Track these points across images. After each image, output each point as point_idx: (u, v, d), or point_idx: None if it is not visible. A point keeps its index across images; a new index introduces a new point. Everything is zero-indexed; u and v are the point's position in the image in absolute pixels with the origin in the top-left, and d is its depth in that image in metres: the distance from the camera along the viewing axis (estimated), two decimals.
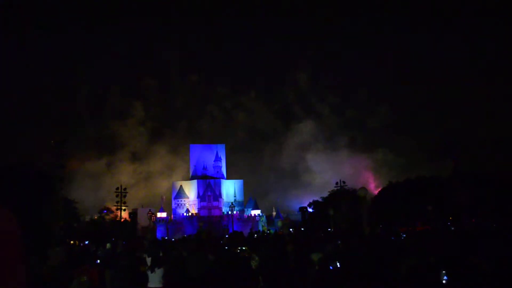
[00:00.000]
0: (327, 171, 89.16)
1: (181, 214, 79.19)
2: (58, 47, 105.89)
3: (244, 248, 11.04)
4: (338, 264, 8.54)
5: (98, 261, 12.67)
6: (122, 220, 57.43)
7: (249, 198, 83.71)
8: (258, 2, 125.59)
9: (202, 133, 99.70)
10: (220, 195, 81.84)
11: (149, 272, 9.90)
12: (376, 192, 68.24)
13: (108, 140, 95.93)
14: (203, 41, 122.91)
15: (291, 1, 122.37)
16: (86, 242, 33.31)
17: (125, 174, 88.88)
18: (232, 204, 72.57)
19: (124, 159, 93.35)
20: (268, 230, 61.08)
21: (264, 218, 79.21)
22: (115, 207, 63.73)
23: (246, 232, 43.27)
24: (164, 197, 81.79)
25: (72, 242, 36.06)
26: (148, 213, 55.73)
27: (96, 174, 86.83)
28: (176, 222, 75.65)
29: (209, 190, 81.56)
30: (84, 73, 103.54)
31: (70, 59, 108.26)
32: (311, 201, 72.29)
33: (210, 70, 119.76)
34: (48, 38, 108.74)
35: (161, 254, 11.38)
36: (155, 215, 73.45)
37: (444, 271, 7.08)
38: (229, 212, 71.86)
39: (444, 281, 6.97)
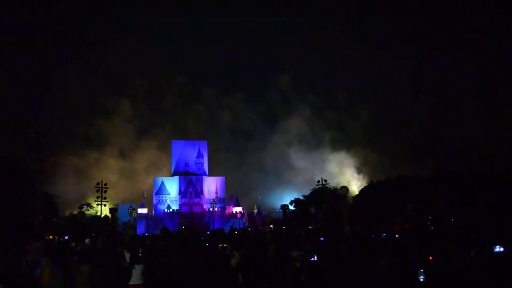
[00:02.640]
0: (309, 169, 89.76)
1: (162, 211, 78.85)
2: (46, 42, 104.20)
3: (225, 245, 11.03)
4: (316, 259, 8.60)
5: (76, 257, 12.55)
6: (103, 215, 57.04)
7: (231, 195, 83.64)
8: (243, 2, 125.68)
9: (187, 131, 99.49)
10: (201, 192, 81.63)
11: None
12: (357, 191, 68.91)
13: (95, 136, 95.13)
14: (191, 42, 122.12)
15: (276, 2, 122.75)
16: (66, 237, 32.95)
17: (109, 170, 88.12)
18: (213, 201, 72.49)
19: (110, 156, 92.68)
20: (249, 227, 61.16)
21: (245, 216, 79.43)
22: (96, 203, 63.41)
23: (227, 229, 43.29)
24: (145, 193, 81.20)
25: (51, 237, 35.62)
26: (128, 209, 55.44)
27: (80, 170, 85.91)
28: (157, 218, 75.27)
29: (190, 187, 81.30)
30: (72, 69, 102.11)
31: (59, 55, 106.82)
32: (293, 199, 72.73)
33: (198, 71, 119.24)
34: (37, 31, 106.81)
35: (140, 250, 11.32)
36: (136, 211, 73.08)
37: (422, 270, 7.19)
38: (211, 209, 71.79)
39: (421, 279, 7.08)
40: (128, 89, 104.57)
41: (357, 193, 65.37)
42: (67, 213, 66.89)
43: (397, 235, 18.60)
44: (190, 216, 75.65)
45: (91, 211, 67.54)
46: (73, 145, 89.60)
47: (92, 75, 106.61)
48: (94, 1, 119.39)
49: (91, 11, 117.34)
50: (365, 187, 64.91)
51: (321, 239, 13.03)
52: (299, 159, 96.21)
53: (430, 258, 8.39)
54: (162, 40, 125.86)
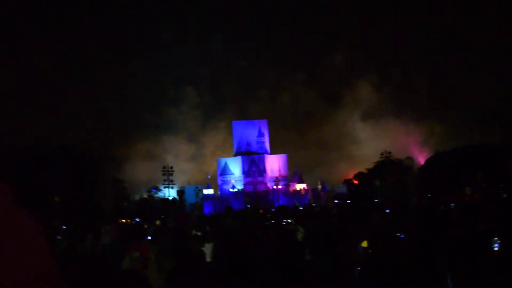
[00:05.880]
0: (372, 142, 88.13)
1: (227, 190, 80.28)
2: (113, 35, 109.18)
3: (289, 220, 11.11)
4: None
5: (149, 237, 13.07)
6: (171, 198, 58.98)
7: (294, 172, 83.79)
8: None
9: (249, 113, 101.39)
10: (264, 170, 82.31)
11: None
12: (423, 162, 66.92)
13: (164, 124, 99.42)
14: (249, 27, 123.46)
15: None
16: (137, 220, 34.37)
17: (178, 155, 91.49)
18: (277, 178, 72.88)
19: (178, 141, 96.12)
20: (313, 203, 61.18)
21: (309, 192, 79.56)
22: (163, 186, 65.63)
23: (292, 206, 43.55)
24: (210, 174, 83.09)
25: (123, 220, 37.30)
26: (194, 190, 56.86)
27: (150, 156, 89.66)
28: (222, 199, 76.75)
29: (253, 166, 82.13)
30: (138, 63, 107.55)
31: (122, 51, 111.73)
32: (356, 173, 71.92)
33: (257, 55, 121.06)
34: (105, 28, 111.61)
35: (208, 229, 11.64)
36: (202, 192, 74.92)
37: (495, 238, 6.92)
38: (275, 187, 72.29)
39: (496, 249, 6.83)
40: (193, 77, 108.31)
41: (423, 164, 63.52)
42: (137, 197, 69.67)
43: (467, 205, 17.98)
44: (255, 194, 76.52)
45: (160, 194, 69.95)
46: (143, 133, 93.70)
47: (158, 67, 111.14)
48: None
49: (153, 5, 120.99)
50: (431, 157, 62.87)
51: (387, 211, 12.83)
52: (361, 132, 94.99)
53: (504, 226, 8.07)
54: (221, 28, 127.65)
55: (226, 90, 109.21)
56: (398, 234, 8.60)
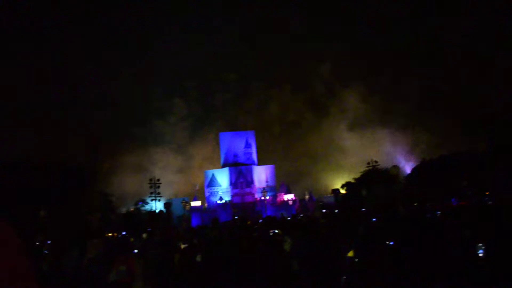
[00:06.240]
0: (359, 151, 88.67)
1: (214, 202, 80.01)
2: (100, 48, 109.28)
3: (276, 231, 11.09)
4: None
5: (136, 250, 12.95)
6: (157, 210, 58.57)
7: (282, 183, 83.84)
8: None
9: (237, 125, 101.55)
10: (252, 181, 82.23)
11: None
12: (409, 170, 67.40)
13: (151, 136, 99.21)
14: (237, 40, 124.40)
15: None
16: (123, 233, 34.06)
17: (165, 167, 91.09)
18: (264, 189, 72.80)
19: (166, 153, 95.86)
20: (301, 214, 61.17)
21: (297, 202, 79.67)
22: (150, 199, 65.20)
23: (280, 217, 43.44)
24: (197, 186, 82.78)
25: (110, 234, 36.92)
26: (182, 202, 56.57)
27: (137, 168, 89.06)
28: (210, 210, 76.47)
29: (241, 177, 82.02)
30: (126, 75, 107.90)
31: (109, 63, 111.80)
32: (344, 183, 72.08)
33: (245, 67, 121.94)
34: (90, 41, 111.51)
35: (195, 242, 11.56)
36: (189, 204, 74.55)
37: (480, 244, 6.98)
38: (262, 198, 72.20)
39: (480, 254, 6.88)
40: (181, 90, 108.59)
41: (409, 172, 63.97)
42: (124, 210, 69.12)
43: (453, 212, 18.11)
44: (242, 206, 76.38)
45: (147, 207, 69.49)
46: (130, 145, 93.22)
47: (146, 79, 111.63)
48: (143, 7, 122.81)
49: (141, 17, 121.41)
50: (417, 165, 63.37)
51: (373, 220, 12.87)
52: (348, 142, 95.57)
53: (489, 232, 8.14)
54: (210, 41, 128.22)
55: (214, 101, 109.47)
56: (387, 242, 8.62)
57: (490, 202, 28.81)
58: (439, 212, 20.22)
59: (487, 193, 42.48)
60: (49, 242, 17.92)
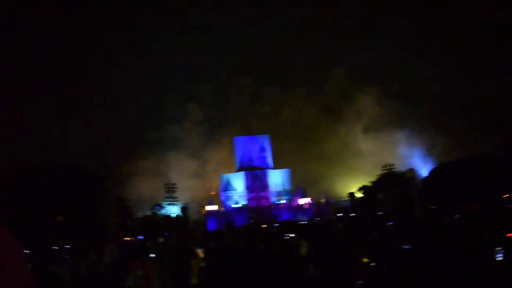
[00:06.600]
0: (375, 154, 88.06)
1: (230, 206, 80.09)
2: (113, 52, 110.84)
3: (291, 235, 11.08)
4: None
5: (152, 255, 13.02)
6: (173, 214, 58.87)
7: (297, 187, 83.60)
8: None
9: (251, 129, 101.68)
10: (267, 185, 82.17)
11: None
12: (426, 173, 66.78)
13: (167, 141, 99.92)
14: (252, 44, 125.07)
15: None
16: (140, 237, 34.24)
17: (181, 172, 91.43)
18: (280, 193, 72.70)
19: (182, 158, 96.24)
20: (317, 217, 60.94)
21: (313, 206, 79.51)
22: (167, 203, 65.59)
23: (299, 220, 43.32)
24: (213, 191, 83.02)
25: (127, 238, 37.20)
26: (198, 207, 56.73)
27: (154, 173, 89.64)
28: (226, 214, 76.54)
29: (256, 181, 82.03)
30: (141, 81, 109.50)
31: (125, 68, 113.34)
32: (360, 186, 71.69)
33: (260, 72, 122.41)
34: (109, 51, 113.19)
35: (212, 246, 11.60)
36: (205, 209, 74.75)
37: (499, 248, 6.89)
38: (278, 202, 72.11)
39: (499, 258, 6.79)
40: (196, 95, 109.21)
41: (426, 175, 63.36)
42: (140, 214, 69.58)
43: (471, 216, 17.90)
44: (258, 210, 76.25)
45: (163, 211, 69.83)
46: (147, 150, 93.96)
47: (161, 84, 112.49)
48: (155, 12, 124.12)
49: (155, 21, 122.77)
50: (434, 168, 62.78)
51: (389, 224, 12.79)
52: (363, 145, 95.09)
53: (508, 235, 8.03)
54: (224, 44, 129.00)
55: (229, 106, 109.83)
56: (404, 246, 8.57)
57: (508, 205, 28.43)
58: (457, 215, 20.00)
59: (506, 195, 41.91)
60: (67, 246, 18.13)
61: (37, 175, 37.90)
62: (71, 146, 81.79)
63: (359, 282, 7.90)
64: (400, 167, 64.22)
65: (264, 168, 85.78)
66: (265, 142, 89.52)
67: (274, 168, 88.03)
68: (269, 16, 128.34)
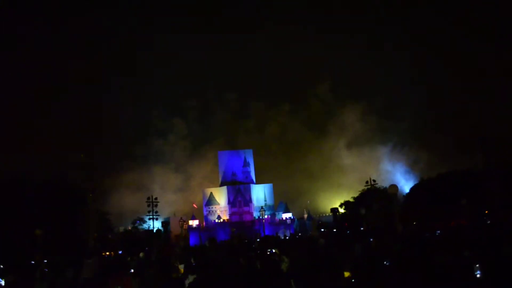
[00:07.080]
0: (358, 169, 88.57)
1: (212, 221, 79.59)
2: (98, 67, 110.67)
3: (273, 251, 11.02)
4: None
5: (132, 270, 12.83)
6: (155, 229, 58.19)
7: (280, 202, 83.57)
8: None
9: (237, 144, 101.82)
10: (250, 200, 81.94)
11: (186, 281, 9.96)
12: (408, 189, 67.22)
13: (151, 155, 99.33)
14: (237, 60, 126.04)
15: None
16: (120, 252, 33.75)
17: (164, 186, 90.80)
18: (262, 208, 72.51)
19: (165, 172, 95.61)
20: (299, 233, 60.91)
21: (296, 221, 79.39)
22: (148, 217, 64.81)
23: (279, 235, 43.19)
24: (195, 205, 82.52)
25: (107, 253, 36.60)
26: (179, 221, 56.20)
27: (136, 187, 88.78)
28: (208, 229, 76.02)
29: (239, 196, 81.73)
30: (126, 94, 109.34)
31: (110, 82, 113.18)
32: (342, 202, 71.80)
33: (246, 87, 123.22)
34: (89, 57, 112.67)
35: (192, 261, 11.47)
36: (187, 223, 74.09)
37: (477, 265, 6.93)
38: (260, 217, 71.86)
39: (478, 275, 6.83)
40: (181, 109, 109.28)
41: (408, 191, 63.79)
42: (121, 229, 68.70)
43: (452, 232, 18.08)
44: (241, 224, 75.95)
45: (145, 226, 69.05)
46: (129, 164, 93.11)
47: (146, 99, 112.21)
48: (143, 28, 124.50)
49: (142, 38, 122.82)
50: (416, 184, 63.24)
51: (371, 240, 12.81)
52: (346, 160, 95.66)
53: (487, 252, 8.10)
54: (212, 61, 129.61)
55: (214, 120, 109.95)
56: (385, 262, 8.57)
57: (488, 222, 28.77)
58: (438, 232, 20.16)
59: (486, 211, 42.37)
60: (45, 261, 17.77)
61: (14, 188, 37.22)
62: (51, 160, 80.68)
63: None
64: (382, 182, 64.57)
65: (247, 182, 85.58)
66: (249, 156, 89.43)
67: (257, 182, 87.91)
68: (253, 32, 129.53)
